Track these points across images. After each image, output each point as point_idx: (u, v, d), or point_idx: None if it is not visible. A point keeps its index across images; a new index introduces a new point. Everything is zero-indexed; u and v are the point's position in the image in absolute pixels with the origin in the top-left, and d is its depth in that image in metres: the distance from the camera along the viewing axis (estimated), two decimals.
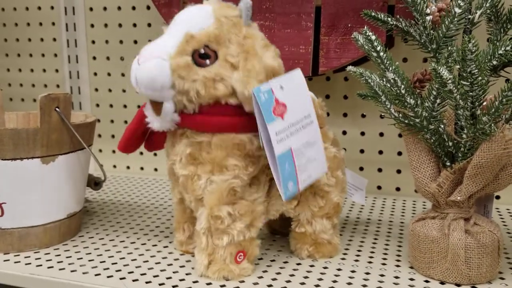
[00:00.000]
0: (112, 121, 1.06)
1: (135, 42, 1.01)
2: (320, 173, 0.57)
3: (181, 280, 0.56)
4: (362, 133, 0.89)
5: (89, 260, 0.61)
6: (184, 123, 0.55)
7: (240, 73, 0.52)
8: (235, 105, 0.53)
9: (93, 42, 1.04)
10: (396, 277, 0.57)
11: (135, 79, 0.52)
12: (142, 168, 1.07)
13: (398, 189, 0.89)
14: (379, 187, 0.90)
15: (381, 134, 0.88)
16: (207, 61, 0.52)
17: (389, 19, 0.58)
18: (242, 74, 0.52)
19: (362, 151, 0.90)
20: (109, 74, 1.05)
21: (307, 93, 0.55)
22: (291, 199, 0.56)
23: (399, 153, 0.88)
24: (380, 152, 0.89)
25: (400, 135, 0.86)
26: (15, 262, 0.61)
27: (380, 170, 0.90)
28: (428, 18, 0.55)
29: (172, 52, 0.51)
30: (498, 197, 0.84)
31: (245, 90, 0.51)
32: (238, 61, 0.52)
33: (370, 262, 0.61)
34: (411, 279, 0.56)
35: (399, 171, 0.89)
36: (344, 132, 0.90)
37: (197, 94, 0.52)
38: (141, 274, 0.57)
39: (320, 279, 0.56)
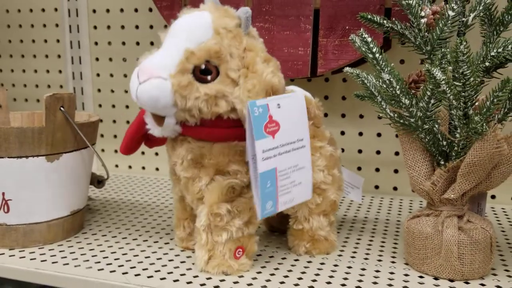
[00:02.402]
0: (114, 121, 1.08)
1: (137, 43, 1.03)
2: (304, 198, 0.57)
3: (182, 275, 0.58)
4: (360, 134, 0.91)
5: (92, 256, 0.63)
6: (186, 132, 0.56)
7: (240, 91, 0.52)
8: (236, 120, 0.54)
9: (96, 43, 1.06)
10: (391, 273, 0.58)
11: (136, 97, 0.52)
12: (143, 168, 1.08)
13: (395, 188, 0.91)
14: (376, 187, 0.92)
15: (379, 135, 0.90)
16: (209, 77, 0.52)
17: (385, 21, 0.59)
18: (242, 93, 0.52)
19: (360, 151, 0.91)
20: (111, 75, 1.06)
21: (304, 116, 0.55)
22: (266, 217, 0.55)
23: (396, 153, 0.89)
24: (378, 152, 0.90)
25: (397, 135, 0.88)
26: (20, 258, 0.63)
27: (377, 169, 0.91)
28: (422, 20, 0.57)
29: (173, 70, 0.51)
30: (493, 197, 0.86)
31: (244, 109, 0.51)
32: (239, 76, 0.53)
33: (366, 259, 0.62)
34: (406, 275, 0.57)
35: (396, 171, 0.90)
36: (343, 133, 0.92)
37: (200, 111, 0.52)
38: (143, 269, 0.59)
39: (317, 275, 0.58)
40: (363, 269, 0.59)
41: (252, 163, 0.52)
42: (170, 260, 0.62)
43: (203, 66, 0.52)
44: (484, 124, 0.51)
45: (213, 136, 0.55)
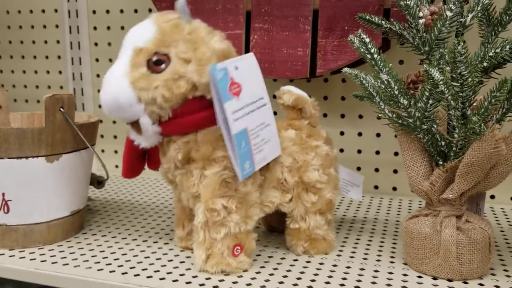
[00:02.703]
0: (114, 122, 1.08)
1: None
2: (274, 154, 0.59)
3: (181, 275, 0.58)
4: (360, 134, 0.91)
5: (92, 256, 0.63)
6: (166, 131, 0.56)
7: (193, 64, 0.54)
8: (203, 99, 0.55)
9: (96, 44, 1.06)
10: (390, 273, 0.58)
11: (104, 107, 0.54)
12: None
13: (394, 188, 0.91)
14: (376, 187, 0.92)
15: (378, 135, 0.90)
16: (162, 66, 0.54)
17: (383, 22, 0.60)
18: (195, 64, 0.54)
19: (359, 151, 0.92)
20: None
21: (260, 76, 0.57)
22: (246, 178, 0.57)
23: (396, 153, 0.89)
24: (377, 152, 0.91)
25: (396, 136, 0.88)
26: (20, 258, 0.63)
27: (377, 170, 0.91)
28: (420, 21, 0.57)
29: (127, 69, 0.53)
30: (493, 197, 0.86)
31: (201, 78, 0.53)
32: (189, 55, 0.54)
33: (365, 259, 0.62)
34: (405, 275, 0.58)
35: (395, 171, 0.90)
36: (342, 133, 0.92)
37: (164, 98, 0.54)
38: (143, 269, 0.59)
39: (316, 275, 0.58)
40: (362, 269, 0.59)
41: (225, 127, 0.53)
42: (169, 261, 0.62)
43: (154, 58, 0.54)
44: (482, 125, 0.51)
45: (189, 124, 0.56)
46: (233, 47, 0.57)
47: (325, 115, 0.92)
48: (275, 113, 0.60)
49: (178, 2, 0.56)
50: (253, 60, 0.57)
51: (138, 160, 0.62)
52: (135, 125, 0.56)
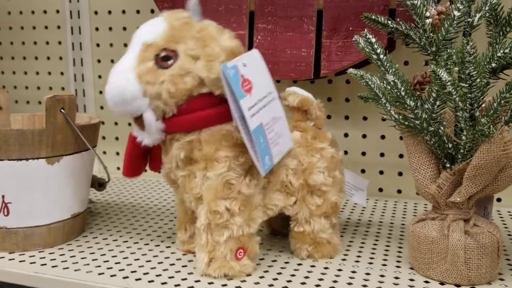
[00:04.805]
0: (116, 123, 1.08)
1: None
2: (287, 147, 0.58)
3: (183, 279, 0.57)
4: (364, 136, 0.90)
5: (93, 260, 0.62)
6: (170, 128, 0.56)
7: (201, 60, 0.54)
8: (210, 96, 0.55)
9: (98, 45, 1.06)
10: (396, 278, 0.57)
11: (109, 100, 0.54)
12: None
13: (399, 191, 0.90)
14: (380, 190, 0.91)
15: (383, 137, 0.89)
16: (170, 62, 0.54)
17: (389, 22, 0.59)
18: (204, 60, 0.54)
19: (363, 153, 0.91)
20: None
21: (266, 71, 0.57)
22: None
23: (401, 156, 0.88)
24: (382, 155, 0.90)
25: (401, 138, 0.87)
26: (20, 261, 0.62)
27: (381, 172, 0.90)
28: (427, 21, 0.56)
29: (134, 63, 0.54)
30: (499, 200, 0.85)
31: (210, 74, 0.53)
32: (198, 52, 0.54)
33: (370, 263, 0.61)
34: (411, 280, 0.56)
35: (400, 174, 0.89)
36: (346, 135, 0.91)
37: (169, 93, 0.54)
38: (144, 274, 0.58)
39: (320, 279, 0.57)
40: (368, 274, 0.58)
41: (242, 124, 0.53)
42: (171, 264, 0.61)
43: (162, 53, 0.54)
44: (491, 126, 0.50)
45: (194, 121, 0.55)
46: (241, 45, 0.57)
47: (329, 117, 0.91)
48: None
49: (190, 1, 0.56)
50: (258, 56, 0.56)
51: (140, 159, 0.62)
52: (139, 120, 0.55)
